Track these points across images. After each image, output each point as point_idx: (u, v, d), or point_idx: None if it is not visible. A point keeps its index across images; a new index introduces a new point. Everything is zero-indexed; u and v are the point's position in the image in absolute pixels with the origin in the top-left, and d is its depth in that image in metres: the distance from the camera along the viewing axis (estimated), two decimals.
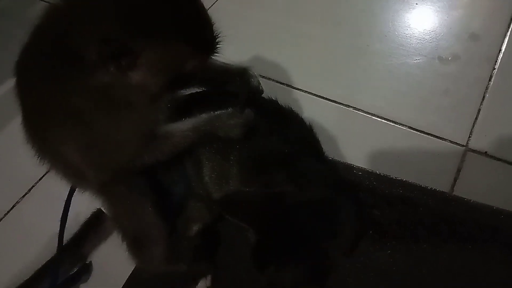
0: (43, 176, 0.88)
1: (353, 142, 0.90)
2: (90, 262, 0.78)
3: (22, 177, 0.89)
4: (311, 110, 0.95)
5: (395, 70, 1.03)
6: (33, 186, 0.88)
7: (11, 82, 1.07)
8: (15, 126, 0.96)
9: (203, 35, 0.55)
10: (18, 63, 0.59)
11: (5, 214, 0.84)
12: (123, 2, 0.50)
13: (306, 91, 1.00)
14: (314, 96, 0.99)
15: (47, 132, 0.59)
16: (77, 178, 0.67)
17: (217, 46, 0.57)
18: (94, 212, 0.78)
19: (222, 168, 0.67)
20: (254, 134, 0.65)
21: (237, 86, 0.72)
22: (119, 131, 0.58)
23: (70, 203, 0.72)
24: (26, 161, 0.90)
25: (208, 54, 0.58)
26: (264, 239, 0.55)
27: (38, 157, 0.64)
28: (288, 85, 1.02)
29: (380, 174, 0.84)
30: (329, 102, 0.98)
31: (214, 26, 0.56)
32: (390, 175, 0.84)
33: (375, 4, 1.20)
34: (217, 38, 0.57)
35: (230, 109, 0.64)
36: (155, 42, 0.52)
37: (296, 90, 1.01)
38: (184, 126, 0.63)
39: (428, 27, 1.12)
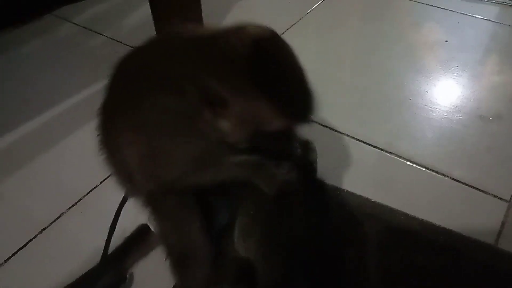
0: (91, 191, 0.91)
1: (395, 188, 0.91)
2: (128, 276, 0.77)
3: (71, 189, 0.91)
4: (353, 155, 0.98)
5: (437, 124, 1.06)
6: (80, 200, 0.90)
7: (66, 104, 1.14)
8: (71, 141, 1.02)
9: (296, 103, 0.56)
10: (119, 65, 0.63)
11: (50, 223, 0.86)
12: (225, 57, 0.53)
13: (348, 135, 1.03)
14: (356, 141, 1.02)
15: (117, 128, 0.61)
16: (127, 181, 0.68)
17: (309, 116, 0.57)
18: (139, 226, 0.79)
19: (247, 227, 0.68)
20: (288, 212, 0.67)
21: (294, 151, 0.70)
22: (182, 153, 0.60)
23: (120, 211, 0.74)
24: (77, 175, 0.95)
25: (297, 121, 0.59)
26: None
27: (100, 147, 0.65)
28: (331, 128, 1.05)
29: (423, 220, 0.84)
30: (371, 147, 1.00)
31: (312, 95, 0.57)
32: (433, 223, 0.83)
33: (418, 62, 1.26)
34: (311, 108, 0.57)
35: (278, 162, 0.64)
36: (247, 99, 0.53)
37: (339, 134, 1.04)
38: (232, 159, 0.64)
39: (469, 89, 1.16)
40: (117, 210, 0.74)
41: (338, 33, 1.45)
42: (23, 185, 0.94)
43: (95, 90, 1.19)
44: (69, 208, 0.88)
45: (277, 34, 0.56)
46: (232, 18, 1.50)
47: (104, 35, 1.42)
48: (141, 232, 0.78)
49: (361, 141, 1.02)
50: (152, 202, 0.68)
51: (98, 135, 0.65)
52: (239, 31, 0.55)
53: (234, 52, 0.53)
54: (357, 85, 1.20)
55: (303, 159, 0.70)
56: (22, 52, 1.36)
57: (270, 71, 0.53)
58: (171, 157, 0.61)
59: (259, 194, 0.64)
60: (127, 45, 1.36)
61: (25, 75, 1.26)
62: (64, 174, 0.95)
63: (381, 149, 0.99)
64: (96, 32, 1.44)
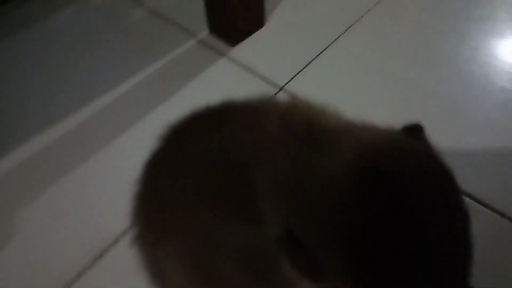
0: None
1: None
2: None
3: None
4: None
5: None
6: None
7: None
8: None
9: None
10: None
11: None
12: (328, 194, 0.32)
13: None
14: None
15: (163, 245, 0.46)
16: None
17: None
18: None
19: None
20: None
21: None
22: None
23: None
24: None
25: None
26: None
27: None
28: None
29: None
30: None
31: None
32: None
33: None
34: None
35: None
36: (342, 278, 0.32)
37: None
38: None
39: None
40: None
41: None
42: None
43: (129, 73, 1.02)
44: None
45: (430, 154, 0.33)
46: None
47: (146, 6, 1.21)
48: None
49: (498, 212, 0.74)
50: None
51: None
52: (354, 142, 0.33)
53: (342, 191, 0.31)
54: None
55: None
56: (57, 21, 1.19)
57: (390, 249, 0.29)
58: None
59: None
60: (170, 20, 1.15)
61: (55, 50, 1.11)
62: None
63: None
64: (136, 2, 1.22)
